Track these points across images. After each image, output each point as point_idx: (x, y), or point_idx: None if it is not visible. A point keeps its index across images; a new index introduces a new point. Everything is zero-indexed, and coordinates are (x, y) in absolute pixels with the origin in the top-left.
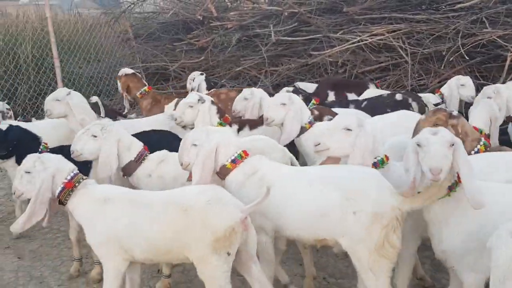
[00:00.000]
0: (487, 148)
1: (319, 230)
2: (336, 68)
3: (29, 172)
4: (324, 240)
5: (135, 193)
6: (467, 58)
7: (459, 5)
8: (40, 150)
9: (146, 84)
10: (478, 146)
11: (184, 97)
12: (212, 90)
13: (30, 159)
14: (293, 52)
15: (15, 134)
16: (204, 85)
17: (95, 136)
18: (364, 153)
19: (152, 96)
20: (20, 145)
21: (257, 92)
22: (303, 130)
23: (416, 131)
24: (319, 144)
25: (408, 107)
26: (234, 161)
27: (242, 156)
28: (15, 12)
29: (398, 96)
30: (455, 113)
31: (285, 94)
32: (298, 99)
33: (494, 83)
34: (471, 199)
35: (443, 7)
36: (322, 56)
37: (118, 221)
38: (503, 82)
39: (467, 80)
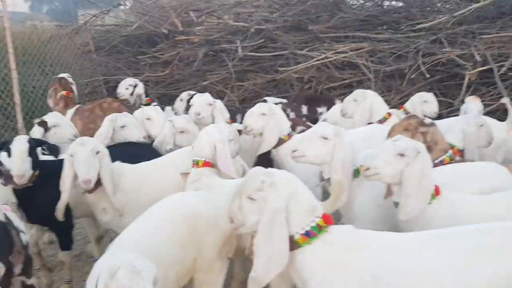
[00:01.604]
0: (452, 160)
1: None
2: (302, 84)
3: None
4: None
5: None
6: (428, 76)
7: (419, 26)
8: None
9: (70, 89)
10: (444, 157)
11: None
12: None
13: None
14: (259, 68)
15: None
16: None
17: None
18: (344, 165)
19: (65, 101)
20: None
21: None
22: (281, 141)
23: (389, 134)
24: (295, 150)
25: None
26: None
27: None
28: None
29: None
30: (428, 121)
31: (266, 104)
32: (279, 110)
33: (453, 100)
34: (400, 212)
35: (404, 27)
36: (288, 72)
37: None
38: (462, 100)
39: (429, 97)
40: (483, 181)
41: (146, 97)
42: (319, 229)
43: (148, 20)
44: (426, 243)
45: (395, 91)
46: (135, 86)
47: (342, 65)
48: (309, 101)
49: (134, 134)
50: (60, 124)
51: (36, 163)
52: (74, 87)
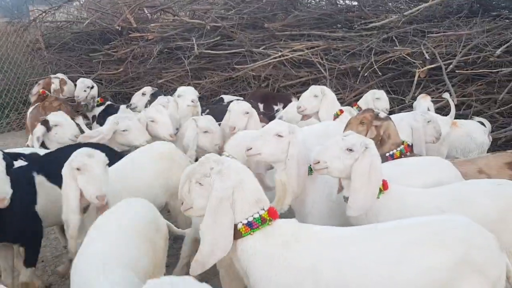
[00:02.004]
0: (402, 155)
1: None
2: (259, 82)
3: None
4: None
5: None
6: (380, 74)
7: (371, 25)
8: None
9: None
10: (394, 151)
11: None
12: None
13: None
14: (216, 66)
15: None
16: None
17: None
18: (299, 162)
19: (38, 98)
20: None
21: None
22: None
23: (346, 127)
24: (251, 148)
25: None
26: None
27: None
28: None
29: None
30: (382, 115)
31: (246, 103)
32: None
33: (404, 97)
34: (349, 208)
35: (357, 26)
36: (245, 70)
37: None
38: (412, 97)
39: (381, 94)
40: (428, 175)
41: (98, 96)
42: (262, 221)
43: (101, 16)
44: (364, 238)
45: (349, 89)
46: (91, 88)
47: (298, 63)
48: (265, 99)
49: (138, 138)
50: (62, 123)
51: (12, 180)
52: (57, 85)
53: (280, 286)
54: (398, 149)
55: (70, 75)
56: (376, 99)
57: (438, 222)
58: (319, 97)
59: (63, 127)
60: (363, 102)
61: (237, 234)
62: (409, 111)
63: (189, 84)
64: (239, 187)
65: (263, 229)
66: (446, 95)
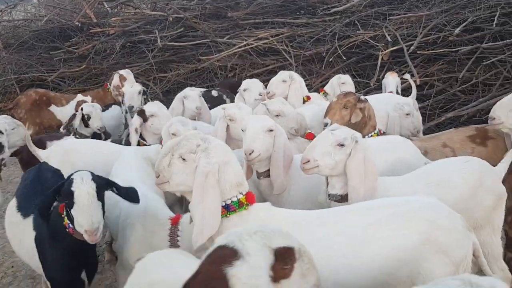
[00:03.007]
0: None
1: None
2: (225, 72)
3: None
4: None
5: None
6: (344, 58)
7: (333, 10)
8: None
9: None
10: (373, 133)
11: None
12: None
13: None
14: (181, 58)
15: None
16: None
17: None
18: (285, 152)
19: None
20: None
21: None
22: None
23: (327, 112)
24: (252, 151)
25: (223, 102)
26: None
27: None
28: None
29: (214, 93)
30: (363, 97)
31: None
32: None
33: (369, 80)
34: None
35: (319, 11)
36: (210, 61)
37: None
38: (377, 79)
39: (347, 78)
40: (388, 153)
41: None
42: (239, 205)
43: (60, 13)
44: (330, 219)
45: (315, 75)
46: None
47: (264, 51)
48: (233, 89)
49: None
50: (157, 114)
51: (104, 209)
52: (116, 81)
53: None
54: (375, 131)
55: (31, 74)
56: (342, 84)
57: (403, 203)
58: (288, 82)
59: (159, 118)
60: (329, 88)
61: None
62: (375, 94)
63: (154, 78)
64: (223, 167)
65: (239, 212)
66: (407, 76)
